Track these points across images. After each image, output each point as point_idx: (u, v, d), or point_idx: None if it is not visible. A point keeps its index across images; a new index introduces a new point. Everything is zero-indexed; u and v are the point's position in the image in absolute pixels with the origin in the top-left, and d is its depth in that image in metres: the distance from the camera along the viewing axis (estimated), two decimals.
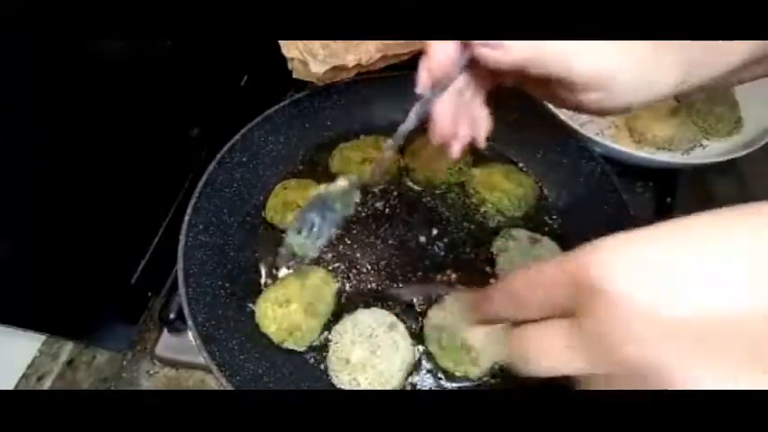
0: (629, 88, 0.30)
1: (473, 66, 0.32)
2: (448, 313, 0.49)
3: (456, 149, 0.36)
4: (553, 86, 0.31)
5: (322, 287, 0.52)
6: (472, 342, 0.47)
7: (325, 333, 0.51)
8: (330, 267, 0.55)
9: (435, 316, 0.49)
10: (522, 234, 0.55)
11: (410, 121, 0.34)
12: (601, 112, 0.32)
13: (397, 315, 0.51)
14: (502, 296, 0.23)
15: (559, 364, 0.20)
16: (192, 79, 0.63)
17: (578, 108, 0.32)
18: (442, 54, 0.31)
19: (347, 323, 0.49)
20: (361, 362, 0.46)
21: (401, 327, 0.49)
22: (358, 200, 0.45)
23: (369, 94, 0.66)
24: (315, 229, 0.45)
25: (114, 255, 0.53)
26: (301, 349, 0.50)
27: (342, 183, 0.43)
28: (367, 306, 0.52)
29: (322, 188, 0.44)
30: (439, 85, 0.32)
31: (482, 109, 0.36)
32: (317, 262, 0.54)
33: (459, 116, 0.34)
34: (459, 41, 0.31)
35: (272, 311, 0.50)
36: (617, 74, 0.29)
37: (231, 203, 0.57)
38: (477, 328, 0.47)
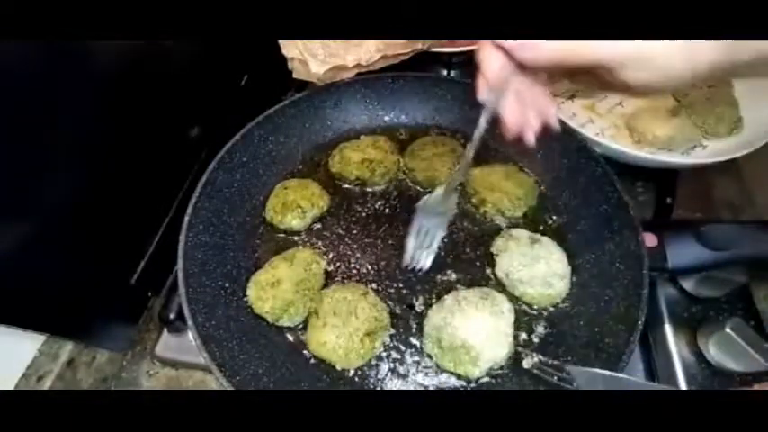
0: (668, 64, 0.30)
1: (524, 65, 0.34)
2: (448, 313, 0.49)
3: (530, 136, 0.38)
4: (595, 71, 0.32)
5: (310, 264, 0.53)
6: (472, 342, 0.47)
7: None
8: (330, 267, 0.55)
9: (435, 316, 0.49)
10: (522, 234, 0.55)
11: (482, 126, 0.37)
12: (647, 91, 0.33)
13: (397, 315, 0.51)
14: None
15: None
16: (192, 79, 0.63)
17: (628, 89, 0.33)
18: (492, 63, 0.33)
19: None
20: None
21: None
22: (458, 200, 0.53)
23: (369, 94, 0.66)
24: (427, 234, 0.53)
25: (114, 255, 0.53)
26: (295, 325, 0.51)
27: (439, 190, 0.51)
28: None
29: (424, 199, 0.53)
30: (497, 90, 0.34)
31: (545, 97, 0.38)
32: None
33: (526, 108, 0.37)
34: (499, 48, 0.33)
35: (264, 293, 0.51)
36: (653, 51, 0.30)
37: (231, 203, 0.57)
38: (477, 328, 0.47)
